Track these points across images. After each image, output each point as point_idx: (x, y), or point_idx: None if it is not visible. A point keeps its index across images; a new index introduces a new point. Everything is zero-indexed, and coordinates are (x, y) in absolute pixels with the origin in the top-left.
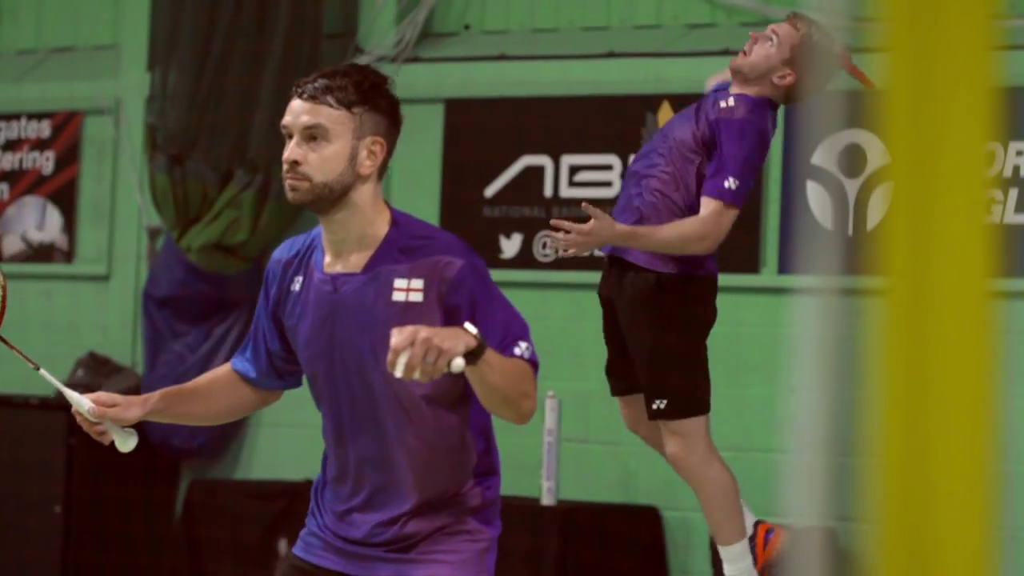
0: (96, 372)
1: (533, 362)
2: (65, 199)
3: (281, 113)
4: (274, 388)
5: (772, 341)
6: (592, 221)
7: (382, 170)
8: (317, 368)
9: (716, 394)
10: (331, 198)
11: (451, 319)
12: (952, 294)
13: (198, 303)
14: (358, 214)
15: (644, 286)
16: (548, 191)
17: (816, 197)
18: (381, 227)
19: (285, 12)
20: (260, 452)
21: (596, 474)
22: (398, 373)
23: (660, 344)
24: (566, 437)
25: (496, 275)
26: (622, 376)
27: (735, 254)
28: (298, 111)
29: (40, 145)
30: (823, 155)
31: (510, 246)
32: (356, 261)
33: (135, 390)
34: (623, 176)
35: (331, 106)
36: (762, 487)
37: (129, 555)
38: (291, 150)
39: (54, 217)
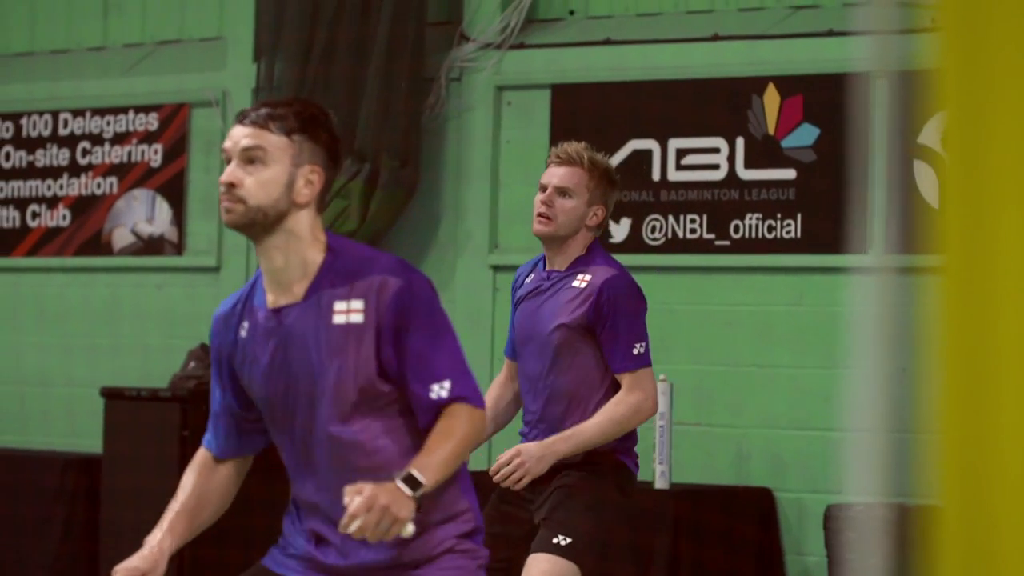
0: (208, 363)
1: (460, 396)
2: (174, 191)
3: (388, 101)
4: (246, 453)
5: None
6: (514, 448)
7: (320, 201)
8: (273, 406)
9: (823, 375)
10: (264, 223)
11: (382, 338)
12: (1009, 272)
13: None
14: (294, 241)
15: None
16: (656, 175)
17: (921, 176)
18: (318, 254)
19: (389, 0)
20: None
21: (709, 457)
22: (350, 530)
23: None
24: (679, 420)
25: None
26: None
27: (841, 235)
28: (238, 136)
29: (148, 138)
30: (926, 133)
31: (619, 230)
32: (297, 291)
33: None
34: (730, 159)
35: (271, 132)
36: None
37: (247, 550)
38: (228, 172)
39: (164, 210)
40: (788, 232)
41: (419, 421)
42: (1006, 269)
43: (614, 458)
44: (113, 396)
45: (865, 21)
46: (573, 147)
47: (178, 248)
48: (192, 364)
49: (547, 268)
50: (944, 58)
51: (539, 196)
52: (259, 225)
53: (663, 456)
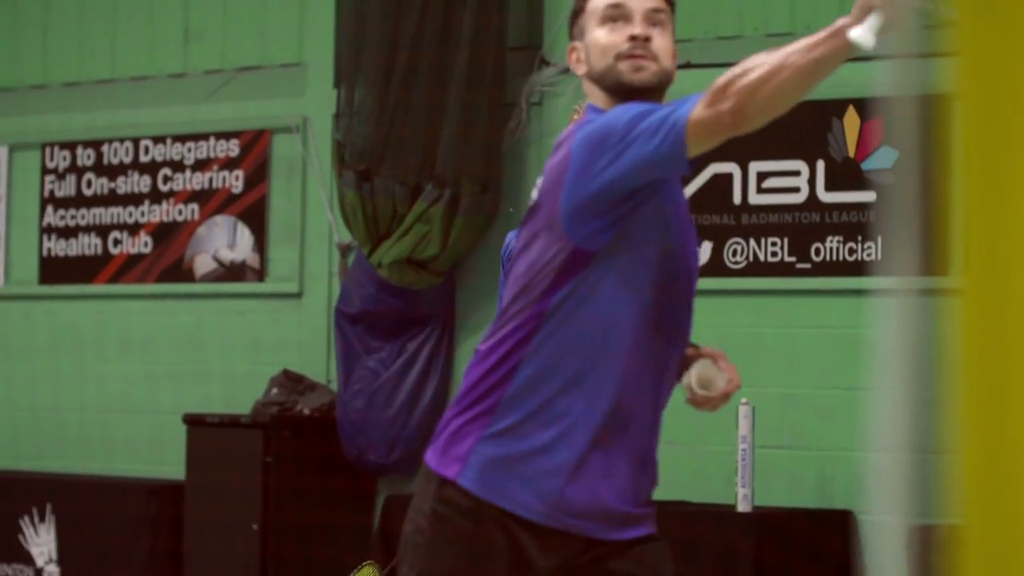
0: (291, 390)
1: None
2: (255, 218)
3: (469, 126)
4: None
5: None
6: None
7: None
8: (660, 264)
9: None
10: (664, 89)
11: None
12: None
13: (391, 318)
14: None
15: None
16: (737, 198)
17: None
18: None
19: (469, 25)
20: None
21: (791, 480)
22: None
23: None
24: (760, 443)
25: None
26: None
27: (921, 257)
28: None
29: (229, 164)
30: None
31: (700, 254)
32: None
33: (330, 407)
34: (810, 182)
35: (667, 2)
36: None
37: (333, 547)
38: (642, 28)
39: (245, 236)
40: (869, 254)
41: None
42: None
43: None
44: (195, 423)
45: (888, 44)
46: None
47: (260, 274)
48: (274, 391)
49: None
50: (963, 80)
51: None
52: (660, 91)
53: (745, 479)
